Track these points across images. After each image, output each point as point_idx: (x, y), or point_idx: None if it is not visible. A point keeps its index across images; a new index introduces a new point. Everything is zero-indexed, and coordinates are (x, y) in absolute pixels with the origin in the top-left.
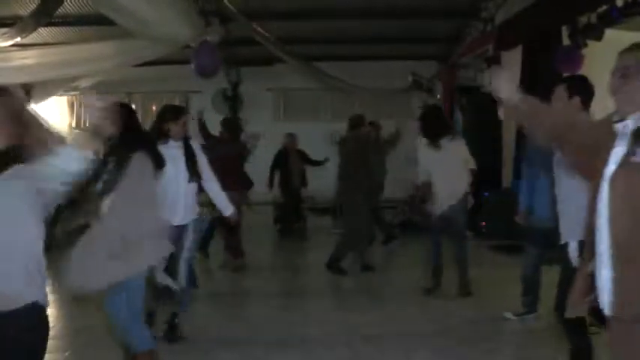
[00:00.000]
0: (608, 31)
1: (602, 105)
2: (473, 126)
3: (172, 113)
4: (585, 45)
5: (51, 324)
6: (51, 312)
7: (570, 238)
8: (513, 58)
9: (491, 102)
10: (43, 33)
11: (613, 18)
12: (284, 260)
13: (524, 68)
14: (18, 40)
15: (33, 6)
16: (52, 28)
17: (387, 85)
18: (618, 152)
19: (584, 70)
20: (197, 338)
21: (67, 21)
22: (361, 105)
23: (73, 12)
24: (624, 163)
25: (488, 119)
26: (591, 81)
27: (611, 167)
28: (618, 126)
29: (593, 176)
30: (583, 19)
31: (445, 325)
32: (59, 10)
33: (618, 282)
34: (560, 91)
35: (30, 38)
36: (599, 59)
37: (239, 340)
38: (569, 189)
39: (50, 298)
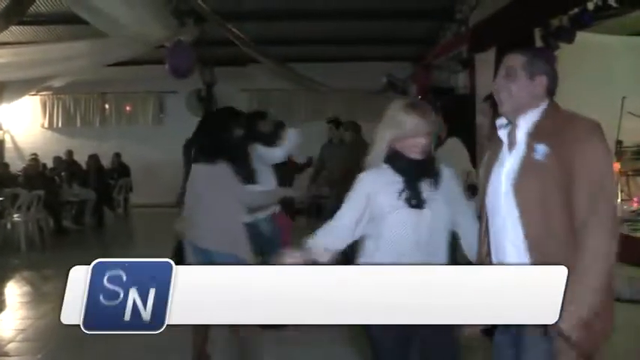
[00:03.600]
0: (579, 34)
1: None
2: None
3: None
4: (557, 47)
5: (23, 325)
6: (23, 313)
7: None
8: (487, 60)
9: (464, 104)
10: (15, 32)
11: (584, 21)
12: None
13: (497, 71)
14: None
15: (4, 4)
16: (24, 26)
17: (361, 87)
18: (518, 152)
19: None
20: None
21: (39, 20)
22: (335, 106)
23: (46, 11)
24: (527, 166)
25: (462, 121)
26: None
27: (508, 169)
28: (503, 127)
29: None
30: (555, 22)
31: None
32: (31, 8)
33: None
34: (485, 107)
35: (1, 37)
36: (570, 61)
37: None
38: None
39: (23, 299)
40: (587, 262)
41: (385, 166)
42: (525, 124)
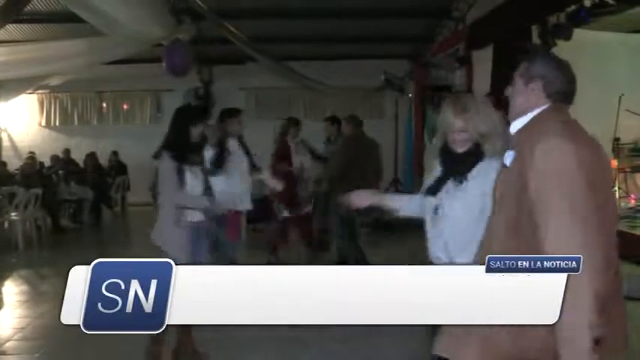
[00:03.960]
0: (576, 31)
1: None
2: None
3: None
4: (555, 44)
5: (21, 324)
6: (21, 312)
7: None
8: (484, 58)
9: None
10: (12, 30)
11: (581, 18)
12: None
13: (494, 68)
14: None
15: (0, 2)
16: (21, 25)
17: (359, 84)
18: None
19: None
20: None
21: (36, 18)
22: (333, 104)
23: (43, 9)
24: (501, 169)
25: None
26: None
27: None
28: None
29: None
30: (552, 19)
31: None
32: (28, 6)
33: None
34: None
35: None
36: (567, 59)
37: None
38: None
39: (21, 298)
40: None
41: None
42: (512, 129)
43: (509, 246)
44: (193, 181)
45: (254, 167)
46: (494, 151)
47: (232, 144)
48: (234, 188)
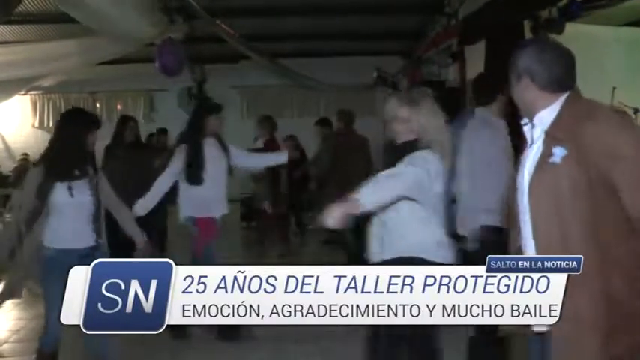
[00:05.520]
0: (568, 25)
1: None
2: None
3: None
4: (547, 39)
5: (17, 326)
6: (16, 314)
7: None
8: (477, 53)
9: (454, 96)
10: (3, 31)
11: (573, 12)
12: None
13: (487, 63)
14: None
15: None
16: (12, 25)
17: (351, 81)
18: (535, 152)
19: None
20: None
21: (27, 19)
22: (326, 102)
23: (34, 10)
24: (541, 167)
25: (451, 113)
26: None
27: (527, 168)
28: (525, 129)
29: None
30: (544, 13)
31: None
32: (19, 7)
33: None
34: None
35: None
36: None
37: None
38: None
39: (16, 300)
40: None
41: None
42: (540, 123)
43: (586, 255)
44: (70, 199)
45: (230, 170)
46: (441, 145)
47: (210, 144)
48: (210, 195)
